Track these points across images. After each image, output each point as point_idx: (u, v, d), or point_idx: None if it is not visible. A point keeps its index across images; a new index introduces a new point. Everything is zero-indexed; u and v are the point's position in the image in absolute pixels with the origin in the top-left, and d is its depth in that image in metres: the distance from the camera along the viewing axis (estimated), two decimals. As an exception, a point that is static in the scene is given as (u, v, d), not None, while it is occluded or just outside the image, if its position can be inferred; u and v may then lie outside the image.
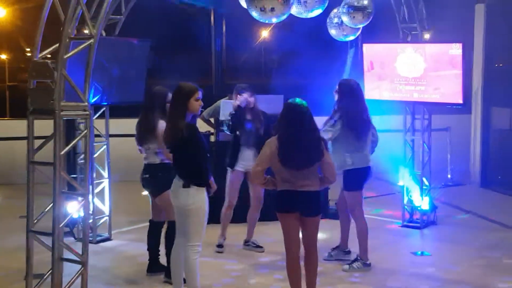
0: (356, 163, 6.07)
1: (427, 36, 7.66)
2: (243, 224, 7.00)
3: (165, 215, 5.82)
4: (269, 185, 5.02)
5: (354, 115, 6.05)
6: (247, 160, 6.60)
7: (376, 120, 6.54)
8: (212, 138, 8.43)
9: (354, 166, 6.07)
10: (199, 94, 4.97)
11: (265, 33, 13.51)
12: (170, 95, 5.68)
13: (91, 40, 4.35)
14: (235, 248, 6.91)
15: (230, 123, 6.62)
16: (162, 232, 5.93)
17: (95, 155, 7.16)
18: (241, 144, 6.64)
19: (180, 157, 4.96)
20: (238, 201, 6.83)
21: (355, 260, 6.17)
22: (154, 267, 6.01)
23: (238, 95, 6.61)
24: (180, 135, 4.83)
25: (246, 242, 6.91)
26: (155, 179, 5.72)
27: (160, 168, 5.71)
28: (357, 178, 6.12)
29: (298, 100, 4.96)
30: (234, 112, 6.59)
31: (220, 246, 6.81)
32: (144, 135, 5.73)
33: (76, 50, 4.30)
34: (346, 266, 6.16)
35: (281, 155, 4.82)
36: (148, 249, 6.01)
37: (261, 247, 6.83)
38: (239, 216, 6.99)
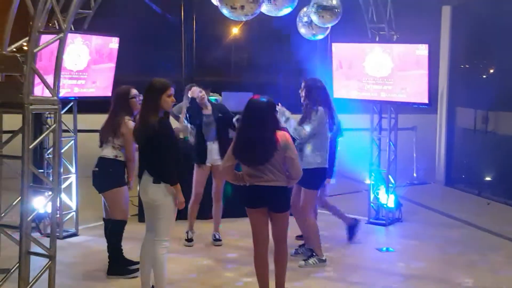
0: (323, 162, 6.14)
1: (394, 36, 7.79)
2: (211, 220, 7.09)
3: (109, 212, 5.81)
4: (240, 180, 5.03)
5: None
6: (211, 154, 6.73)
7: (344, 119, 6.64)
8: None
9: (321, 165, 6.14)
10: (172, 90, 4.97)
11: (236, 30, 13.54)
12: (133, 91, 5.73)
13: (61, 35, 4.34)
14: (203, 243, 6.96)
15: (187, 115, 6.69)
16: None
17: (63, 150, 7.11)
18: (206, 139, 6.73)
19: (150, 154, 4.93)
20: (206, 197, 6.88)
21: (311, 256, 6.26)
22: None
23: (189, 91, 6.72)
24: (152, 131, 4.82)
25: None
26: (105, 174, 5.69)
27: (112, 163, 5.69)
28: (320, 177, 6.18)
29: (260, 97, 4.98)
30: (189, 105, 6.67)
31: (189, 240, 6.88)
32: (107, 133, 5.72)
33: (45, 44, 4.29)
34: (302, 262, 6.24)
35: (234, 150, 4.93)
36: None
37: (219, 240, 6.93)
38: (208, 212, 7.06)
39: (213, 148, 6.76)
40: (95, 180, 5.78)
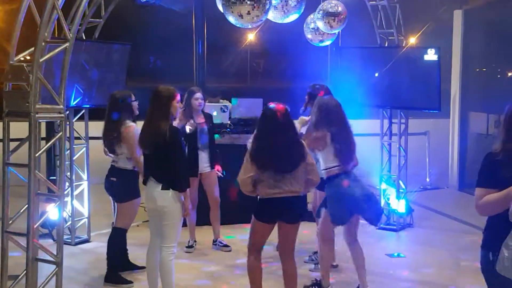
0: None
1: (404, 41, 7.79)
2: (209, 226, 7.14)
3: (118, 221, 5.84)
4: (255, 193, 4.89)
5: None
6: (202, 162, 6.75)
7: (355, 124, 6.61)
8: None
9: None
10: (178, 96, 5.08)
11: (249, 37, 13.60)
12: (132, 96, 5.76)
13: (67, 44, 4.40)
14: (207, 249, 7.00)
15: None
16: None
17: (75, 157, 7.20)
18: (197, 148, 6.72)
19: (159, 160, 4.95)
20: (200, 203, 6.94)
21: None
22: (127, 266, 6.09)
23: (194, 100, 6.67)
24: (162, 137, 4.87)
25: (214, 242, 7.03)
26: (125, 185, 5.73)
27: (132, 175, 5.74)
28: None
29: (275, 104, 4.89)
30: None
31: (190, 247, 6.93)
32: (115, 141, 5.70)
33: (51, 53, 4.35)
34: (312, 266, 6.27)
35: (256, 159, 4.75)
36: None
37: (228, 246, 6.96)
38: (204, 218, 7.12)
39: (202, 156, 6.77)
40: (114, 190, 5.83)
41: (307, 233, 6.97)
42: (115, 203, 6.01)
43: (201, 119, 6.78)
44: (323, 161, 5.32)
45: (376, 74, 7.61)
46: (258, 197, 4.91)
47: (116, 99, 5.77)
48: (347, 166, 5.26)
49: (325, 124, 5.23)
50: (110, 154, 5.83)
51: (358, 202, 5.24)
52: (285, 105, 4.90)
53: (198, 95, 6.68)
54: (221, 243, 6.98)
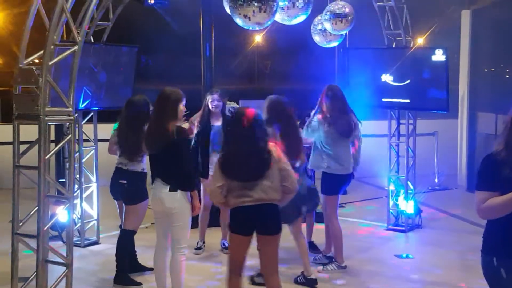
0: (332, 168, 6.14)
1: (412, 42, 7.78)
2: (217, 228, 7.17)
3: (127, 223, 5.84)
4: (227, 204, 4.57)
5: (337, 119, 6.12)
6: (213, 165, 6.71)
7: (363, 125, 6.61)
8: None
9: (330, 171, 6.15)
10: (184, 99, 5.10)
11: (256, 38, 13.63)
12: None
13: (76, 47, 4.43)
14: (216, 251, 7.01)
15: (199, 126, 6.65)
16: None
17: (84, 160, 7.24)
18: (210, 151, 6.66)
19: (166, 161, 4.95)
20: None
21: (330, 262, 6.27)
22: (136, 268, 6.13)
23: (210, 102, 6.66)
24: (170, 138, 4.88)
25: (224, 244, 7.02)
26: (135, 187, 5.75)
27: (141, 177, 5.76)
28: (332, 183, 6.19)
29: (244, 108, 4.67)
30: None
31: (198, 248, 6.93)
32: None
33: (60, 57, 4.38)
34: (320, 267, 6.28)
35: (223, 166, 4.50)
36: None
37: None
38: (212, 219, 7.14)
39: (213, 160, 6.76)
40: (123, 193, 5.85)
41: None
42: (122, 205, 6.03)
43: (217, 121, 6.74)
44: None
45: (384, 75, 7.59)
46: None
47: (143, 104, 5.78)
48: (294, 162, 5.36)
49: (273, 122, 5.37)
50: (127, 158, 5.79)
51: (303, 197, 5.61)
52: (255, 110, 4.66)
53: (213, 96, 6.67)
54: (223, 245, 6.95)
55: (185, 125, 5.20)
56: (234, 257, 4.64)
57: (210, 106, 6.67)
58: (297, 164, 5.48)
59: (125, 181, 5.78)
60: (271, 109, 5.52)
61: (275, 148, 4.59)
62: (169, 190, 4.92)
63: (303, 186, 5.57)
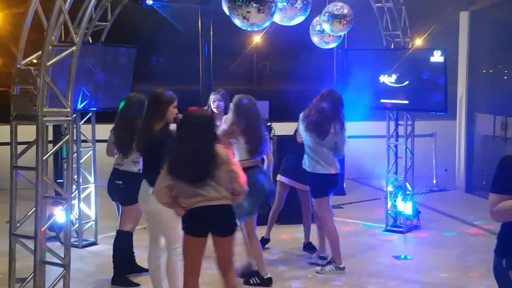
0: (317, 168, 6.11)
1: (410, 43, 7.79)
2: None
3: (123, 224, 5.82)
4: (176, 205, 4.52)
5: (323, 121, 6.09)
6: None
7: (362, 126, 6.61)
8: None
9: (315, 171, 6.12)
10: (176, 102, 5.07)
11: (254, 39, 13.63)
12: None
13: (74, 48, 4.43)
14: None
15: None
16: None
17: (82, 160, 7.23)
18: None
19: (151, 162, 4.95)
20: None
21: (329, 263, 6.27)
22: (134, 269, 6.11)
23: (211, 102, 6.71)
24: (154, 139, 4.88)
25: None
26: (130, 188, 5.65)
27: (137, 177, 5.72)
28: (320, 184, 6.16)
29: (196, 109, 4.60)
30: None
31: None
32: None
33: (58, 57, 4.38)
34: (318, 268, 6.28)
35: (170, 167, 4.40)
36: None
37: None
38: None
39: None
40: (119, 193, 5.85)
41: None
42: (119, 206, 6.03)
43: (219, 121, 6.72)
44: (237, 155, 5.53)
45: (382, 76, 7.60)
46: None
47: (140, 103, 5.71)
48: (256, 160, 5.68)
49: (236, 120, 5.60)
50: (123, 157, 5.81)
51: (263, 195, 5.66)
52: (205, 111, 4.65)
53: (214, 96, 6.70)
54: None
55: (172, 126, 5.17)
56: (190, 259, 4.57)
57: (211, 106, 6.68)
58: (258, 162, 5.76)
59: (120, 182, 5.78)
60: (235, 108, 5.70)
61: (225, 150, 4.56)
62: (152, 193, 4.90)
63: (262, 185, 5.65)
